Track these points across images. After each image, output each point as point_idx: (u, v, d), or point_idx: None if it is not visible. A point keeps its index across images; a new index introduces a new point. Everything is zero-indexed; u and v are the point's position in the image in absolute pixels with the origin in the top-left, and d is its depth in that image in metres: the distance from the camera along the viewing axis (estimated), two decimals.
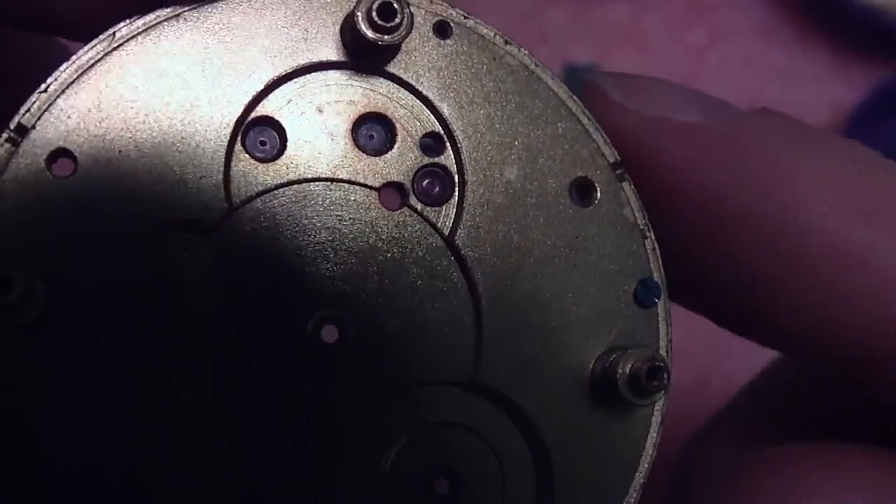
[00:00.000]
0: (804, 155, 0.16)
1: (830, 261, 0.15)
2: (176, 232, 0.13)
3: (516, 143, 0.15)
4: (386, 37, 0.14)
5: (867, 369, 0.16)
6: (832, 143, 0.16)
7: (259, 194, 0.14)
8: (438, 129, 0.14)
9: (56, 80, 0.13)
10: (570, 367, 0.14)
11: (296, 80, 0.14)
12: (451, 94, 0.14)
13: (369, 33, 0.13)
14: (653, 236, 0.15)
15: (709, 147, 0.15)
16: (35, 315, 0.13)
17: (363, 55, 0.14)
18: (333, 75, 0.14)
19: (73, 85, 0.14)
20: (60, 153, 0.13)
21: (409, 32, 0.14)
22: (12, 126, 0.13)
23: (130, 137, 0.13)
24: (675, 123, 0.15)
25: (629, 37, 0.33)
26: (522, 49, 0.15)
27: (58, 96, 0.14)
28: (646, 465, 0.15)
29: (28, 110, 0.13)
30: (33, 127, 0.13)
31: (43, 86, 0.13)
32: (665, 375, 0.14)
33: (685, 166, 0.15)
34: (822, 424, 0.18)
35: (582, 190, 0.15)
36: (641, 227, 0.15)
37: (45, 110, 0.13)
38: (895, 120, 0.32)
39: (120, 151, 0.13)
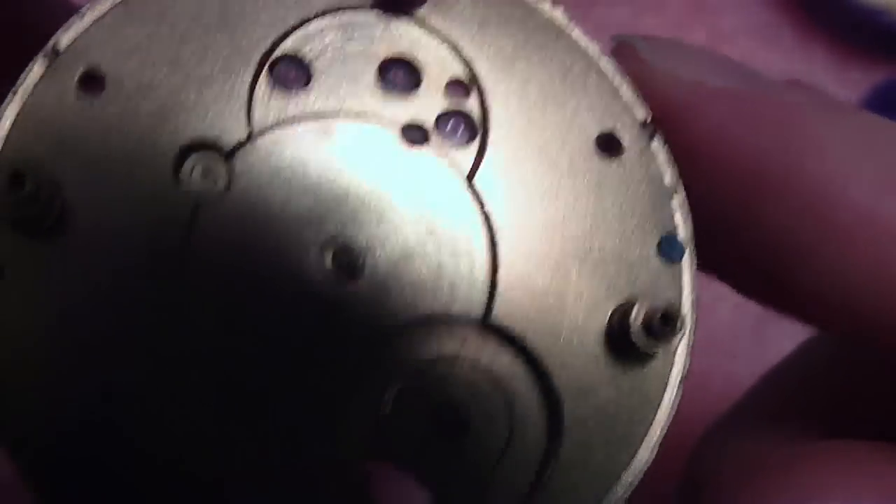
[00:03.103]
0: (838, 126, 0.16)
1: (862, 230, 0.15)
2: (196, 151, 0.13)
3: (544, 93, 0.15)
4: None
5: None
6: (865, 117, 0.16)
7: (280, 123, 0.14)
8: (464, 75, 0.14)
9: (91, 7, 0.14)
10: (588, 316, 0.14)
11: (325, 18, 0.14)
12: (479, 42, 0.15)
13: None
14: (683, 193, 0.14)
15: (742, 113, 0.15)
16: (52, 218, 0.13)
17: (393, 0, 0.14)
18: (363, 17, 0.15)
19: (109, 12, 0.14)
20: (90, 74, 0.14)
21: None
22: (48, 47, 0.14)
23: (159, 61, 0.14)
24: (709, 88, 0.16)
25: None
26: (556, 4, 0.15)
27: (92, 22, 0.14)
28: (662, 423, 0.15)
29: (63, 33, 0.14)
30: (66, 49, 0.14)
31: (80, 11, 0.14)
32: (680, 322, 0.14)
33: (717, 131, 0.15)
34: (850, 416, 0.18)
35: (609, 143, 0.15)
36: (669, 184, 0.15)
37: (80, 34, 0.14)
38: (895, 120, 0.32)
39: (148, 74, 0.14)
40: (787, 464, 0.16)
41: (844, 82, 0.33)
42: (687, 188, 0.15)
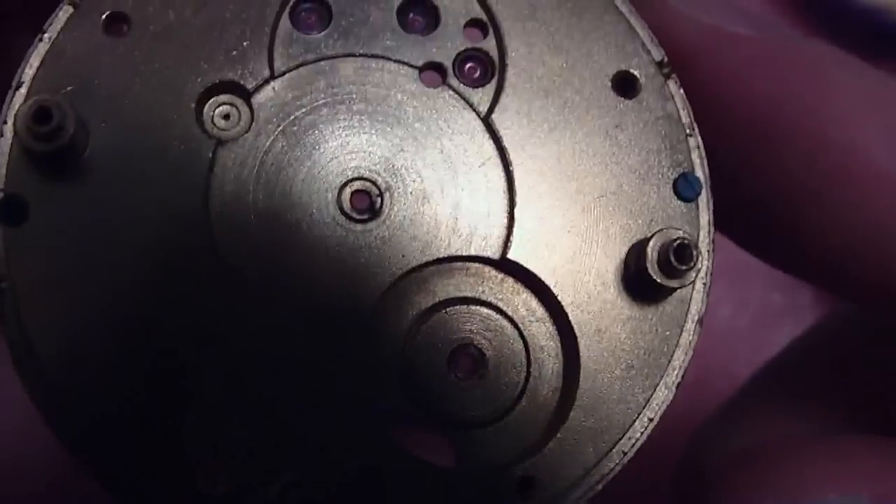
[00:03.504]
0: (853, 78, 0.16)
1: (871, 180, 0.15)
2: (218, 93, 0.14)
3: (560, 33, 0.14)
4: None
5: None
6: (879, 73, 0.17)
7: (300, 65, 0.14)
8: (482, 15, 0.14)
9: None
10: (604, 254, 0.14)
11: None
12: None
13: None
14: (698, 134, 0.15)
15: (759, 58, 0.15)
16: (77, 155, 0.13)
17: None
18: None
19: None
20: (116, 16, 0.14)
21: None
22: None
23: (182, 2, 0.14)
24: (728, 32, 0.16)
25: None
26: None
27: None
28: (680, 362, 0.15)
29: None
30: None
31: None
32: (696, 255, 0.14)
33: (734, 75, 0.15)
34: (853, 404, 0.18)
35: (625, 83, 0.15)
36: (685, 123, 0.15)
37: None
38: None
39: (171, 16, 0.14)
40: (786, 456, 0.16)
41: None
42: (701, 130, 0.15)
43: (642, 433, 0.15)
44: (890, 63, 0.33)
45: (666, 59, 0.15)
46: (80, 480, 0.28)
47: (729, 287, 0.31)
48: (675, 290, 0.15)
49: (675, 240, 0.14)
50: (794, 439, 0.16)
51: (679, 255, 0.14)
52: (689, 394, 0.30)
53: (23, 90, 0.14)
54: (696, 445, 0.19)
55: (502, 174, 0.14)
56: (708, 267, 0.15)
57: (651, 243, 0.14)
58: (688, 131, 0.15)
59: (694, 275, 0.14)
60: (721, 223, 0.16)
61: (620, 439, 0.15)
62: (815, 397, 0.19)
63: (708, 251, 0.15)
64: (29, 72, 0.14)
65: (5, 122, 0.14)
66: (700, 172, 0.15)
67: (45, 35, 0.14)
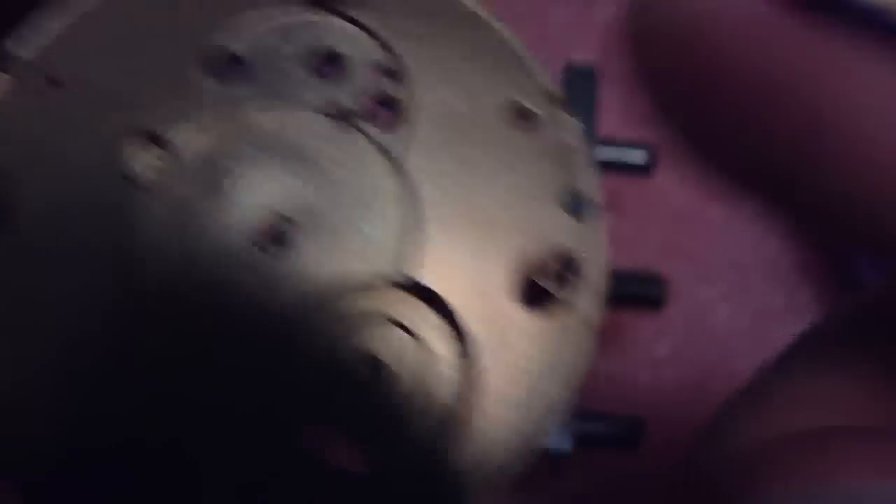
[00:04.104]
0: (876, 60, 0.15)
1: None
2: (140, 142, 0.15)
3: (459, 74, 0.16)
4: None
5: None
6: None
7: (220, 115, 0.15)
8: (388, 62, 0.16)
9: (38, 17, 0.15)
10: (505, 273, 0.16)
11: (257, 11, 0.16)
12: (403, 32, 0.16)
13: None
14: (587, 152, 0.16)
15: (768, 36, 0.15)
16: (5, 205, 0.14)
17: None
18: (294, 10, 0.16)
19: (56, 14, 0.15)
20: (48, 79, 0.15)
21: None
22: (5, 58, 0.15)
23: (97, 56, 0.15)
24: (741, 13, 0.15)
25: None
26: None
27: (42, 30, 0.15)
28: (577, 372, 0.16)
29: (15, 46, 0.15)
30: (20, 61, 0.15)
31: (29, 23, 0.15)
32: (578, 265, 0.15)
33: (743, 51, 0.15)
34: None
35: (520, 115, 0.17)
36: (575, 146, 0.16)
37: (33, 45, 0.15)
38: None
39: (89, 71, 0.15)
40: (809, 448, 0.16)
41: None
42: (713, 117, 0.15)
43: (547, 434, 0.16)
44: None
45: (556, 92, 0.17)
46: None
47: (729, 287, 0.31)
48: (568, 300, 0.15)
49: (564, 253, 0.16)
50: (812, 428, 0.16)
51: (568, 267, 0.15)
52: (688, 394, 0.30)
53: None
54: (707, 438, 0.18)
55: (410, 206, 0.16)
56: (599, 277, 0.16)
57: (542, 260, 0.15)
58: (577, 152, 0.16)
59: (582, 286, 0.16)
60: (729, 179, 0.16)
61: (529, 439, 0.15)
62: (860, 379, 0.18)
63: (600, 265, 0.16)
64: None
65: None
66: (587, 189, 0.16)
67: None
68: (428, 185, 0.16)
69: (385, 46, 0.16)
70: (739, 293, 0.31)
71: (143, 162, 0.15)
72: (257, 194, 0.15)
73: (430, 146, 0.16)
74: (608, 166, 0.29)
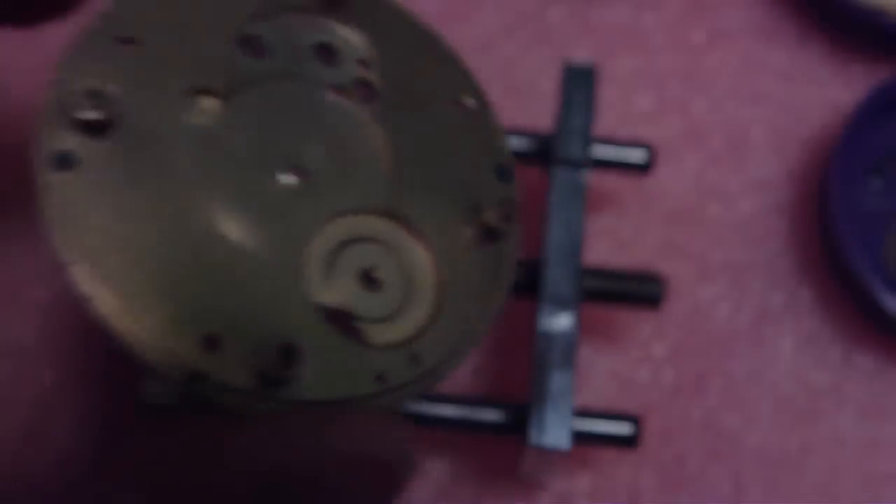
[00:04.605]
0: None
1: None
2: (199, 94, 0.21)
3: (419, 67, 0.23)
4: None
5: None
6: None
7: (252, 80, 0.21)
8: (368, 55, 0.22)
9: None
10: (457, 210, 0.22)
11: (279, 11, 0.22)
12: (380, 36, 0.22)
13: None
14: (506, 138, 0.23)
15: None
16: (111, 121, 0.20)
17: (330, 4, 0.22)
18: (306, 13, 0.22)
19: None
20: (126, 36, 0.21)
21: None
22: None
23: (173, 19, 0.21)
24: None
25: (629, 37, 0.33)
26: (426, 23, 0.23)
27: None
28: (507, 285, 0.22)
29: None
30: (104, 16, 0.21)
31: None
32: (515, 209, 0.22)
33: None
34: None
35: (460, 103, 0.23)
36: (500, 127, 0.23)
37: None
38: (895, 120, 0.32)
39: (167, 30, 0.21)
40: None
41: (845, 81, 0.33)
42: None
43: (485, 329, 0.21)
44: (890, 63, 0.33)
45: (481, 89, 0.23)
46: (79, 483, 0.28)
47: (729, 287, 0.31)
48: (505, 235, 0.22)
49: (503, 203, 0.22)
50: None
51: (507, 213, 0.22)
52: (688, 393, 0.30)
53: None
54: None
55: (388, 154, 0.22)
56: (517, 224, 0.22)
57: (487, 208, 0.22)
58: (502, 132, 0.23)
59: (513, 227, 0.22)
60: None
61: (477, 326, 0.21)
62: None
63: (516, 215, 0.22)
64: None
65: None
66: (510, 161, 0.23)
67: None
68: (398, 142, 0.22)
69: (367, 44, 0.22)
70: (739, 293, 0.31)
71: (199, 108, 0.20)
72: (281, 141, 0.21)
73: (398, 116, 0.22)
74: (608, 166, 0.29)
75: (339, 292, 0.20)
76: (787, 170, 0.32)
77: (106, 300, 0.18)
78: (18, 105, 0.31)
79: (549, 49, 0.33)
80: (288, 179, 0.21)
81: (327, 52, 0.22)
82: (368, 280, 0.21)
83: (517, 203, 0.22)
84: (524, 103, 0.32)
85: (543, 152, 0.28)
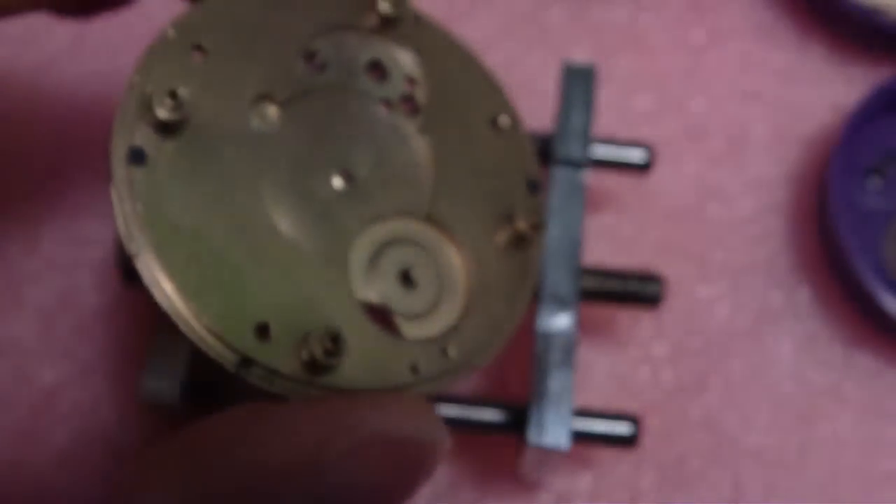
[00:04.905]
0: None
1: None
2: (262, 100, 0.22)
3: (458, 90, 0.25)
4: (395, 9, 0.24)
5: None
6: None
7: (313, 89, 0.23)
8: (416, 74, 0.24)
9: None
10: (489, 218, 0.24)
11: (339, 29, 0.24)
12: (427, 57, 0.24)
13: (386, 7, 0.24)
14: (536, 152, 0.25)
15: None
16: (182, 122, 0.21)
17: (383, 25, 0.24)
18: (362, 33, 0.24)
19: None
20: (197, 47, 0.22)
21: (407, 16, 0.24)
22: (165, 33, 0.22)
23: (240, 32, 0.23)
24: None
25: (629, 37, 0.33)
26: (465, 44, 0.25)
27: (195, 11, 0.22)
28: (532, 283, 0.24)
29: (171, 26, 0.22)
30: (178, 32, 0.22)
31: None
32: (542, 222, 0.24)
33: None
34: None
35: (495, 123, 0.25)
36: (530, 149, 0.25)
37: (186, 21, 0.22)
38: (895, 120, 0.32)
39: (234, 46, 0.22)
40: None
41: (845, 81, 0.33)
42: None
43: (516, 323, 0.23)
44: (890, 63, 0.33)
45: (516, 113, 0.25)
46: (73, 483, 0.28)
47: (728, 287, 0.31)
48: (531, 243, 0.24)
49: (532, 215, 0.24)
50: None
51: (536, 223, 0.24)
52: (688, 393, 0.30)
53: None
54: None
55: (429, 163, 0.24)
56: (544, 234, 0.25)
57: (519, 217, 0.24)
58: (531, 153, 0.25)
59: (539, 236, 0.24)
60: None
61: (504, 325, 0.23)
62: None
63: (545, 225, 0.24)
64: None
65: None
66: (539, 177, 0.25)
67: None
68: (439, 154, 0.24)
69: (414, 63, 0.24)
70: (739, 293, 0.31)
71: (261, 114, 0.22)
72: (335, 146, 0.23)
73: (439, 130, 0.24)
74: (608, 165, 0.29)
75: (379, 289, 0.22)
76: (786, 170, 0.32)
77: (167, 288, 0.19)
78: (19, 109, 0.31)
79: (549, 49, 0.33)
80: (337, 183, 0.22)
81: (378, 69, 0.24)
82: (406, 279, 0.22)
83: (544, 214, 0.24)
84: (524, 103, 0.32)
85: (543, 152, 0.28)
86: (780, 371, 0.30)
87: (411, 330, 0.22)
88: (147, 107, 0.20)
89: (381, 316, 0.21)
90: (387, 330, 0.21)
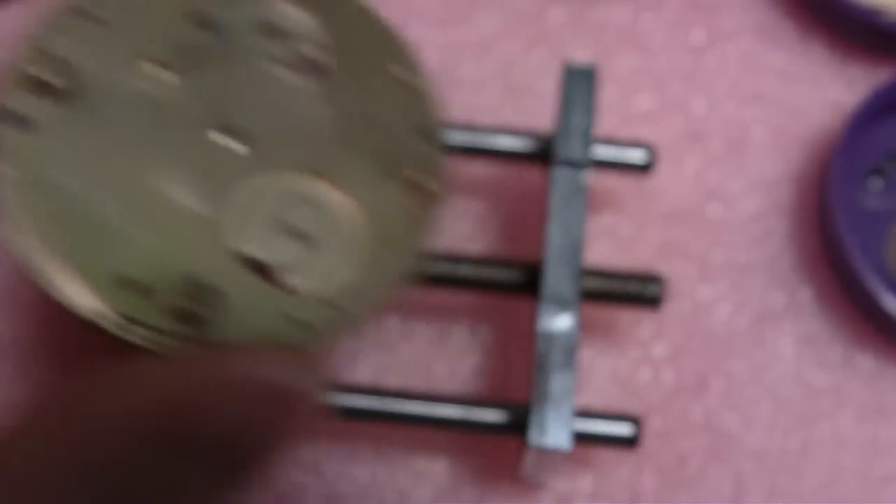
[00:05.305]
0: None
1: None
2: (149, 66, 0.22)
3: (358, 44, 0.24)
4: None
5: None
6: None
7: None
8: (310, 31, 0.24)
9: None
10: (390, 167, 0.23)
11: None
12: (325, 19, 0.24)
13: None
14: (433, 99, 0.24)
15: None
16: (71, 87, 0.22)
17: None
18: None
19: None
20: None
21: None
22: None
23: None
24: None
25: (629, 37, 0.33)
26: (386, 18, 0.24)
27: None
28: (428, 231, 0.23)
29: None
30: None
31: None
32: (441, 168, 0.23)
33: None
34: None
35: (392, 72, 0.24)
36: (425, 90, 0.24)
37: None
38: (895, 120, 0.32)
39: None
40: None
41: (845, 81, 0.33)
42: None
43: (409, 274, 0.23)
44: (891, 63, 0.33)
45: (417, 60, 0.24)
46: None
47: (729, 287, 0.31)
48: (430, 187, 0.23)
49: (426, 159, 0.23)
50: None
51: (433, 167, 0.23)
52: (689, 394, 0.30)
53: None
54: None
55: (323, 117, 0.23)
56: (445, 175, 0.23)
57: (410, 162, 0.23)
58: (427, 95, 0.24)
59: (439, 179, 0.23)
60: None
61: (397, 276, 0.22)
62: None
63: (444, 168, 0.23)
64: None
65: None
66: (434, 125, 0.24)
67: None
68: (331, 109, 0.23)
69: (308, 19, 0.24)
70: (740, 293, 0.31)
71: (152, 79, 0.22)
72: (223, 105, 0.23)
73: (332, 85, 0.24)
74: (608, 166, 0.29)
75: (262, 243, 0.22)
76: (787, 170, 0.32)
77: (44, 256, 0.20)
78: None
79: (549, 49, 0.33)
80: (229, 143, 0.22)
81: (272, 29, 0.24)
82: (293, 233, 0.22)
83: (441, 163, 0.24)
84: (524, 103, 0.32)
85: (544, 153, 0.28)
86: (781, 371, 0.30)
87: (300, 284, 0.22)
88: (34, 72, 0.21)
89: (266, 270, 0.21)
90: (273, 284, 0.21)
